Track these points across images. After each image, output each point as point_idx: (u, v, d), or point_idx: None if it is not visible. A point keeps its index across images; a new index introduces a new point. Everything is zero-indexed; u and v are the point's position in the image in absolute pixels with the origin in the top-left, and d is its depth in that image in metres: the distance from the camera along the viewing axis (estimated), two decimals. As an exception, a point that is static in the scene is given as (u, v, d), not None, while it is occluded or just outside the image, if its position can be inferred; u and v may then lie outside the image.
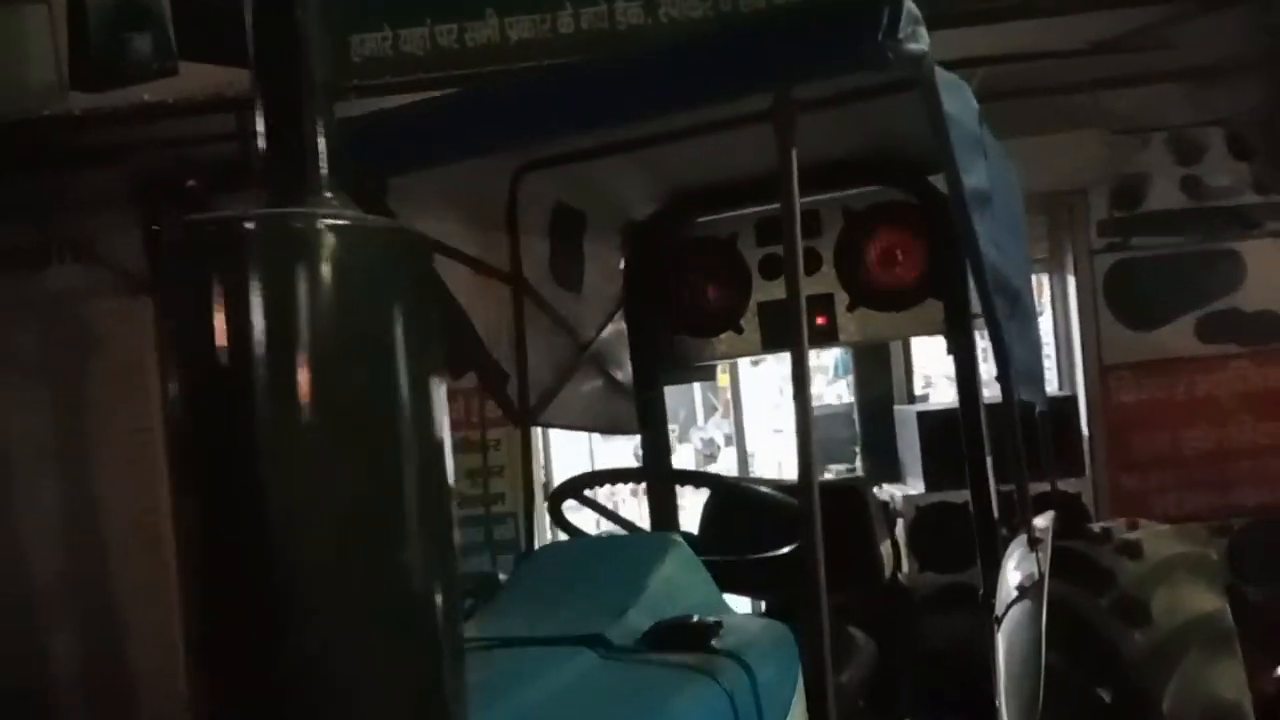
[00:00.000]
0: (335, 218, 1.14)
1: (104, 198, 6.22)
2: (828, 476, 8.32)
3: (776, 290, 3.67)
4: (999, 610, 2.91)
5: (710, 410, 13.74)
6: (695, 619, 2.13)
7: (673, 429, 5.18)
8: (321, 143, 1.19)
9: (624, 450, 8.91)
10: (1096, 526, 3.70)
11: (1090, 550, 3.34)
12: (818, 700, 2.14)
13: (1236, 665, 3.20)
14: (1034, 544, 2.94)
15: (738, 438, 8.34)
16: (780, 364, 9.44)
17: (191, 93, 4.94)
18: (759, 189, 3.17)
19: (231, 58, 1.39)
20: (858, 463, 7.41)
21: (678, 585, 2.37)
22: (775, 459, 10.11)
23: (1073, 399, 6.25)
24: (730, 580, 2.73)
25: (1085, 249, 6.42)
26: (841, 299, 3.73)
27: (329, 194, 1.18)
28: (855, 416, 7.31)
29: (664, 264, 3.87)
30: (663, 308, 3.89)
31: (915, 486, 5.97)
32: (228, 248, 1.10)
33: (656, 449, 3.95)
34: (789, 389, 2.42)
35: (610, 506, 3.59)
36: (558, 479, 4.37)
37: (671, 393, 4.22)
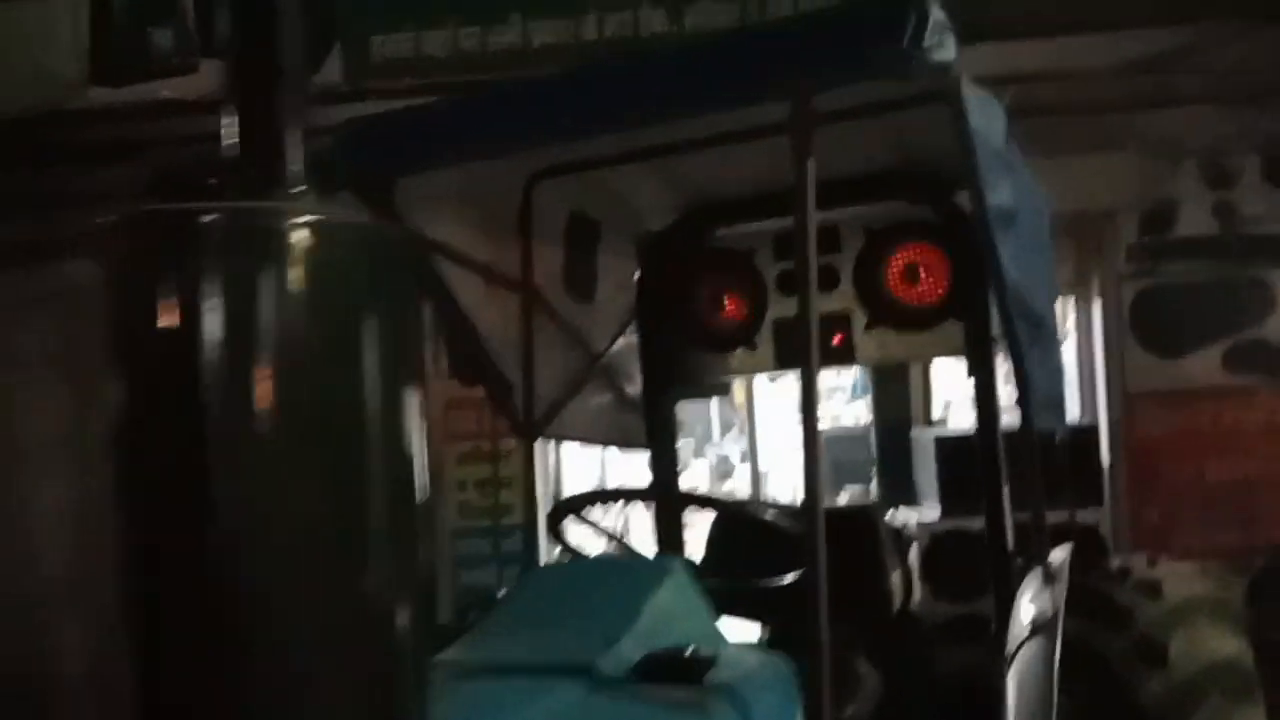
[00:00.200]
0: (303, 214, 1.07)
1: (123, 194, 6.20)
2: (842, 498, 8.27)
3: (793, 306, 3.57)
4: (1011, 647, 2.82)
5: (727, 427, 13.67)
6: (689, 651, 2.05)
7: (688, 444, 5.11)
8: (295, 138, 1.13)
9: (637, 464, 8.81)
10: (1115, 562, 3.61)
11: (1108, 587, 3.26)
12: None
13: (1259, 714, 3.11)
14: (1050, 579, 2.85)
15: (751, 456, 8.27)
16: (799, 381, 9.33)
17: (211, 90, 4.90)
18: (778, 202, 3.09)
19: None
20: (874, 485, 7.34)
21: (673, 613, 2.30)
22: (791, 479, 10.00)
23: (1094, 428, 6.14)
24: (732, 606, 2.67)
25: (1113, 274, 6.33)
26: (859, 318, 3.64)
27: (301, 190, 1.12)
28: (872, 438, 7.23)
29: (679, 276, 3.80)
30: (676, 321, 3.82)
31: (931, 512, 5.87)
32: (184, 241, 1.03)
33: (664, 466, 3.87)
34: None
35: (622, 520, 3.52)
36: (568, 492, 4.30)
37: (688, 408, 4.15)
